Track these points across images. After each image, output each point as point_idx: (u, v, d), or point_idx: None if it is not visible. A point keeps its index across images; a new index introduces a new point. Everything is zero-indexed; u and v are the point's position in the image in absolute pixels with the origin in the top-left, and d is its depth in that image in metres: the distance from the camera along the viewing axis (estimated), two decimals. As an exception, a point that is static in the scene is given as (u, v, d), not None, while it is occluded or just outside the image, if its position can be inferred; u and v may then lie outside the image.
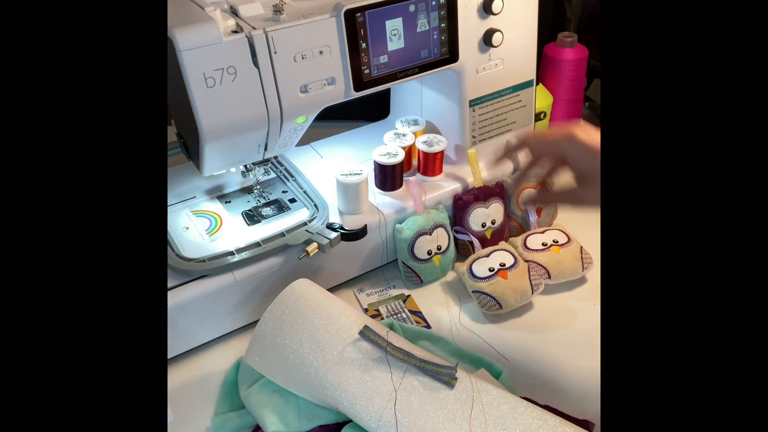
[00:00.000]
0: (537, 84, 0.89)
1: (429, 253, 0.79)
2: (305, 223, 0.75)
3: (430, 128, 0.89)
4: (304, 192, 0.81)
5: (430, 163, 0.83)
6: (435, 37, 0.72)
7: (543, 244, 0.80)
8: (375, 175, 0.81)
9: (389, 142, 0.82)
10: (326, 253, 0.72)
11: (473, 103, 0.82)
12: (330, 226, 0.74)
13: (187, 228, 0.77)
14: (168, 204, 0.81)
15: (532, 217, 0.84)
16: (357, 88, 0.69)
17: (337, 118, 0.98)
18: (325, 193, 0.80)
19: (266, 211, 0.79)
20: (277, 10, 0.63)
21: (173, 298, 0.67)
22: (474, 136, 0.84)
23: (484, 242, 0.82)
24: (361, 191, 0.77)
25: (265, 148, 0.71)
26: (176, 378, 0.69)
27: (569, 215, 0.88)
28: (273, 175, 0.85)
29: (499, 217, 0.83)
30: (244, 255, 0.71)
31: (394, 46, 0.69)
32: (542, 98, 0.98)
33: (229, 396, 0.67)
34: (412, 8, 0.69)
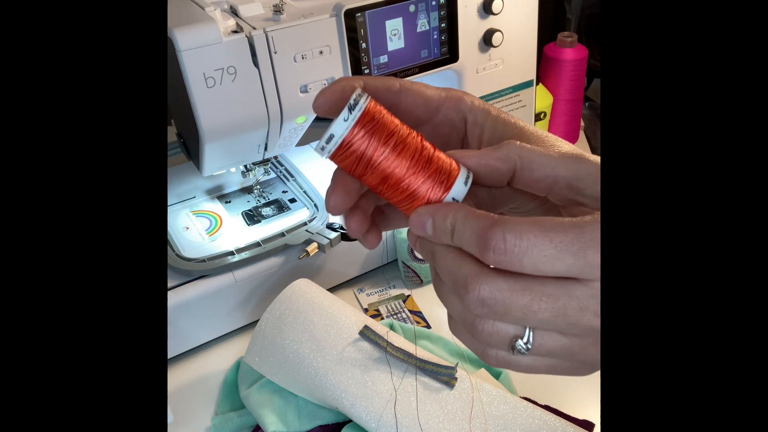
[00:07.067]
0: (537, 84, 0.89)
1: (429, 253, 0.79)
2: (305, 223, 0.75)
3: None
4: (304, 192, 0.81)
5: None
6: (435, 37, 0.72)
7: (543, 244, 0.80)
8: (375, 175, 0.81)
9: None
10: (326, 253, 0.72)
11: (473, 103, 0.82)
12: (330, 226, 0.74)
13: (187, 228, 0.77)
14: (168, 204, 0.81)
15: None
16: (357, 88, 0.69)
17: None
18: (325, 193, 0.80)
19: (266, 211, 0.79)
20: (277, 10, 0.63)
21: (173, 298, 0.67)
22: (474, 136, 0.84)
23: (484, 242, 0.82)
24: (361, 191, 0.77)
25: (265, 148, 0.71)
26: (176, 378, 0.69)
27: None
28: (273, 175, 0.85)
29: (499, 217, 0.83)
30: (244, 255, 0.71)
31: (394, 46, 0.69)
32: (542, 98, 0.98)
33: (229, 396, 0.66)
34: (412, 8, 0.69)
